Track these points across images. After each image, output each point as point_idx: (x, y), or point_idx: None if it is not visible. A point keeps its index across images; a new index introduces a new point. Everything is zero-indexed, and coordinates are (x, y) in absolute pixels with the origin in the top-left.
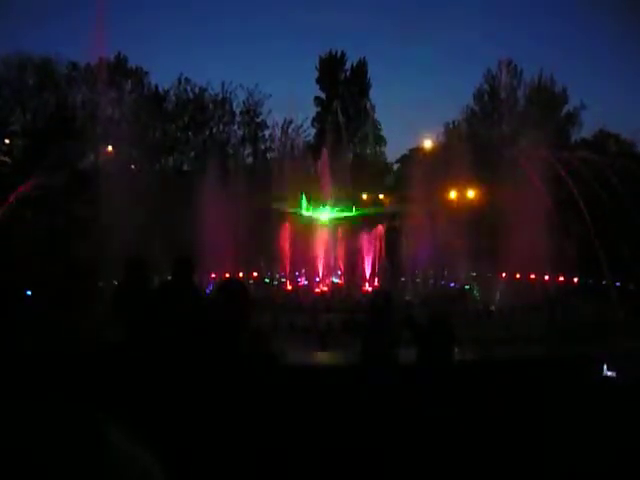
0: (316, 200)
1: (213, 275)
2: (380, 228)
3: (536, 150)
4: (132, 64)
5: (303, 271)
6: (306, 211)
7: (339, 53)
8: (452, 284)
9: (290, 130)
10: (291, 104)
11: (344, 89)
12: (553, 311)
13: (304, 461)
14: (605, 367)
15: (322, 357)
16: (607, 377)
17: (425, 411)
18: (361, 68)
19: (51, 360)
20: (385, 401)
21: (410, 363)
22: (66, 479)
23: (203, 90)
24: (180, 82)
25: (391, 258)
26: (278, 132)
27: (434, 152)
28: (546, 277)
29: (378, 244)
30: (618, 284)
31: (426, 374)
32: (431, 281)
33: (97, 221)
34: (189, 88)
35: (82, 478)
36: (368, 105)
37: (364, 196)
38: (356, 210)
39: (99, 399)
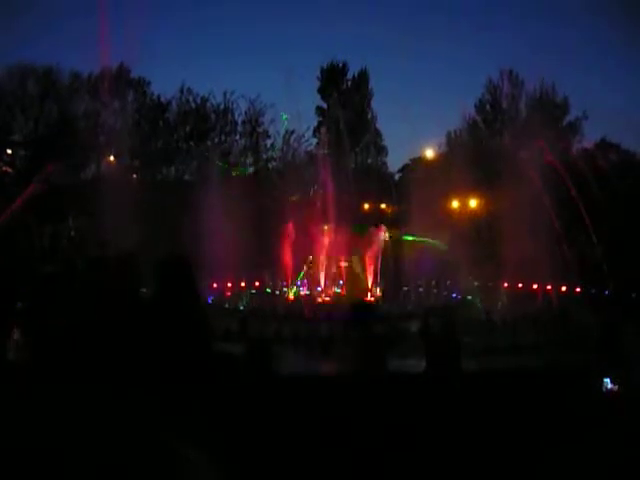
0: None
1: (215, 285)
2: (382, 237)
3: (539, 154)
4: (134, 74)
5: (305, 281)
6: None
7: (341, 63)
8: (454, 294)
9: (292, 140)
10: (293, 114)
11: (346, 99)
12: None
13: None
14: (608, 380)
15: (323, 365)
16: (609, 390)
17: (428, 417)
18: (363, 78)
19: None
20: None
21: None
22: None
23: (205, 100)
24: (182, 92)
25: (393, 268)
26: (280, 142)
27: (436, 162)
28: (548, 287)
29: (380, 254)
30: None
31: (435, 383)
32: (434, 291)
33: (97, 231)
34: (191, 98)
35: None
36: (370, 115)
37: (366, 205)
38: None
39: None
